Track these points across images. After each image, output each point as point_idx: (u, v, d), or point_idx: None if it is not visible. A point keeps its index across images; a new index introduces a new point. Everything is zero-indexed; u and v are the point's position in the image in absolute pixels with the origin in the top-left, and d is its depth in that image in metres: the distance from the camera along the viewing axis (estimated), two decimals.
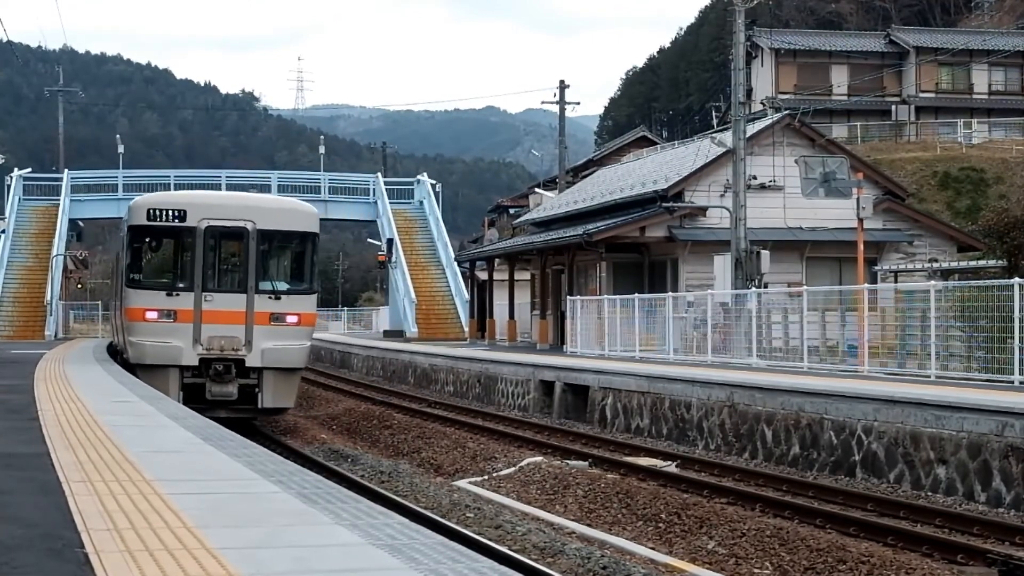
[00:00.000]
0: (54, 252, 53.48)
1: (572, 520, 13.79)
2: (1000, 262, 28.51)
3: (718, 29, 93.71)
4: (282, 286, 22.06)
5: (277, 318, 21.62)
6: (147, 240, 22.28)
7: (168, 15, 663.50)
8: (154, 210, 21.81)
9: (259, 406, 21.82)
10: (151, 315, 21.50)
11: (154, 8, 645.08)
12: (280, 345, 21.56)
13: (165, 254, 22.71)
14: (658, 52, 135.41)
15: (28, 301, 51.83)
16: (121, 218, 27.53)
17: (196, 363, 21.38)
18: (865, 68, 64.27)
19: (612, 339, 29.43)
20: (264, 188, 61.99)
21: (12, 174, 59.73)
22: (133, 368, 21.93)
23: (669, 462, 18.28)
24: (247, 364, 21.45)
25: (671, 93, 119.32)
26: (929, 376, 18.96)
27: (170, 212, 21.70)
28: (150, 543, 6.35)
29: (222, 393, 21.46)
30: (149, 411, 15.21)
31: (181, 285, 21.62)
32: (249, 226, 21.61)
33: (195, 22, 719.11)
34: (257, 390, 21.61)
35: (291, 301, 21.87)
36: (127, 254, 22.62)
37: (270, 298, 21.67)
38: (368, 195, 61.81)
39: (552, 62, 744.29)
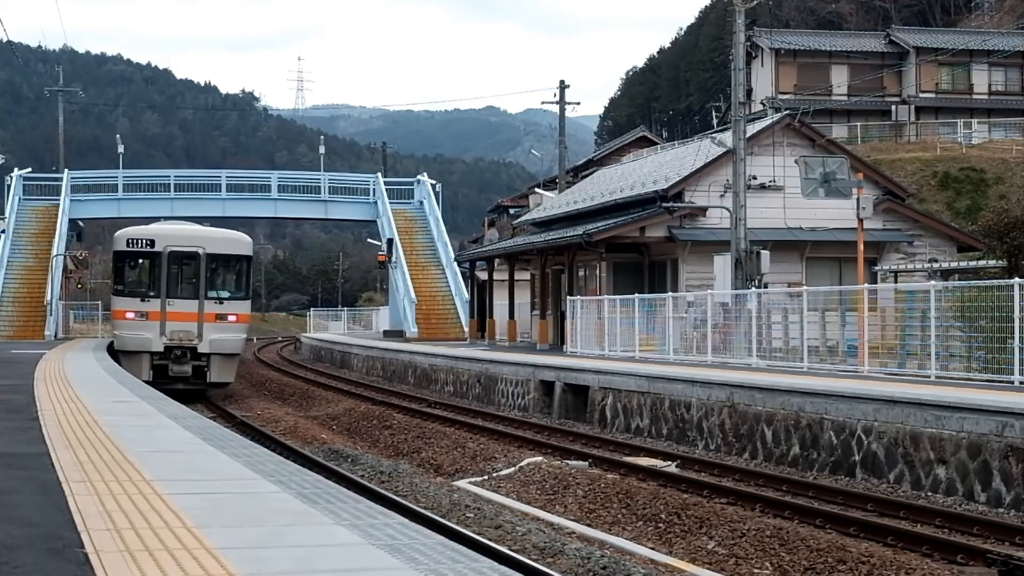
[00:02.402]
0: (54, 252, 53.45)
1: (572, 520, 13.79)
2: (1000, 262, 28.49)
3: (718, 29, 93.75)
4: (224, 294, 29.65)
5: (221, 317, 29.22)
6: (127, 261, 30.00)
7: (168, 15, 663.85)
8: (131, 239, 29.84)
9: (207, 381, 29.32)
10: (130, 315, 29.15)
11: (154, 8, 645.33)
12: (223, 337, 29.14)
13: (140, 271, 30.00)
14: (658, 52, 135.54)
15: (28, 301, 51.79)
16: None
17: (162, 349, 28.85)
18: (865, 68, 64.24)
19: (612, 339, 29.43)
20: (264, 188, 62.09)
21: (12, 174, 59.67)
22: (118, 354, 29.60)
23: (669, 462, 18.27)
24: (199, 350, 28.99)
25: (671, 93, 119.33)
26: (929, 376, 18.95)
27: (143, 240, 29.71)
28: (150, 543, 6.35)
29: (180, 371, 28.90)
30: (149, 411, 15.21)
31: (151, 294, 29.27)
32: (200, 251, 29.38)
33: (195, 22, 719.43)
34: (206, 369, 29.11)
35: (231, 305, 29.52)
36: (113, 271, 30.90)
37: (215, 303, 29.25)
38: (368, 195, 61.77)
39: (552, 62, 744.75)
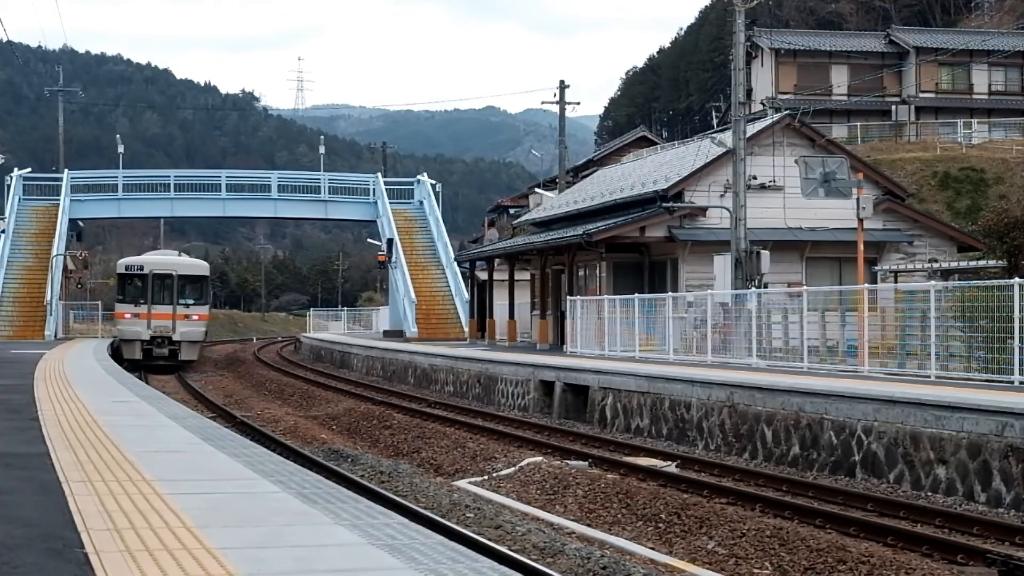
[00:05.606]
0: (54, 252, 53.46)
1: (572, 520, 13.78)
2: (1000, 262, 28.46)
3: (718, 29, 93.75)
4: (190, 301, 43.45)
5: (188, 316, 43.12)
6: (125, 280, 44.03)
7: (168, 15, 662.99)
8: (128, 265, 44.60)
9: (179, 360, 42.72)
10: (127, 316, 42.98)
11: (154, 8, 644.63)
12: (189, 330, 43.14)
13: (134, 286, 43.50)
14: (658, 52, 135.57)
15: (28, 301, 51.81)
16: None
17: (148, 338, 42.50)
18: (865, 68, 64.22)
19: (612, 339, 29.42)
20: (264, 188, 62.13)
21: (12, 174, 59.67)
22: (119, 344, 42.77)
23: (669, 462, 18.27)
24: (173, 339, 42.79)
25: (671, 93, 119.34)
26: (929, 376, 18.94)
27: (136, 266, 44.23)
28: (150, 543, 6.35)
29: (160, 353, 42.60)
30: (149, 411, 15.23)
31: (141, 301, 42.92)
32: (174, 272, 43.66)
33: (195, 22, 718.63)
34: (178, 351, 42.89)
35: (195, 308, 43.56)
36: (117, 286, 46.13)
37: (184, 307, 43.10)
38: (368, 195, 61.76)
39: (552, 62, 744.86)
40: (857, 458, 16.24)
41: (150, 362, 41.97)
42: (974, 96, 66.94)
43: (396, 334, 52.86)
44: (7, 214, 56.75)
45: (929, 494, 14.70)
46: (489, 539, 11.66)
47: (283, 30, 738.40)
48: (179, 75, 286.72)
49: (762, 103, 57.74)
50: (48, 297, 50.71)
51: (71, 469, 9.28)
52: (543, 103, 60.17)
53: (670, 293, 28.96)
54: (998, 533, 12.41)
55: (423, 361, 36.75)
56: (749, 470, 17.19)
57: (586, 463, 18.09)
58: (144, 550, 6.16)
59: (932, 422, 14.92)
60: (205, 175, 64.91)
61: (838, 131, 58.73)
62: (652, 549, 12.19)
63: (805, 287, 25.48)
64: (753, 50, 64.48)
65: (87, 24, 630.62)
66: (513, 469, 17.30)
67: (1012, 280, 18.04)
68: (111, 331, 47.48)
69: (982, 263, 30.19)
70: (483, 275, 45.95)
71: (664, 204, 33.26)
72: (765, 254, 28.91)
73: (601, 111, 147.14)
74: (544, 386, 26.82)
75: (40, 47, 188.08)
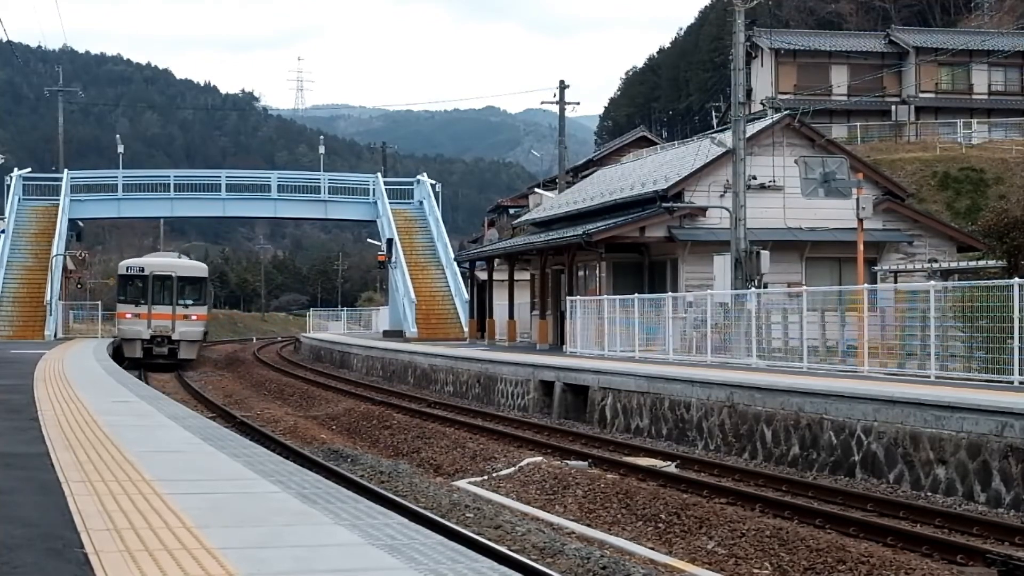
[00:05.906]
0: (54, 252, 53.45)
1: (572, 520, 13.78)
2: (1000, 262, 28.45)
3: (718, 29, 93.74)
4: (189, 302, 44.55)
5: (187, 317, 44.19)
6: (127, 281, 45.14)
7: (168, 15, 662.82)
8: (129, 267, 45.76)
9: (178, 358, 43.69)
10: (128, 316, 44.07)
11: (154, 8, 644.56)
12: (188, 329, 44.27)
13: (135, 287, 44.60)
14: (658, 52, 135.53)
15: (28, 301, 51.80)
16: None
17: (148, 338, 43.59)
18: (865, 68, 64.21)
19: (612, 339, 29.42)
20: (264, 188, 62.14)
21: (12, 174, 59.66)
22: (120, 343, 43.87)
23: (669, 462, 18.27)
24: (173, 338, 43.85)
25: (671, 93, 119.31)
26: (929, 376, 18.94)
27: (136, 268, 45.37)
28: (150, 543, 6.35)
29: (160, 352, 43.71)
30: (149, 411, 15.23)
31: (142, 302, 44.01)
32: (174, 274, 44.77)
33: (195, 22, 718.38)
34: (177, 350, 43.94)
35: (194, 309, 44.58)
36: (117, 287, 47.27)
37: (183, 307, 44.17)
38: (368, 195, 61.75)
39: (552, 62, 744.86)
40: (857, 458, 16.24)
41: (150, 360, 42.92)
42: (974, 96, 66.92)
43: (396, 334, 52.85)
44: (7, 214, 56.74)
45: (929, 494, 14.70)
46: (489, 539, 11.66)
47: (283, 30, 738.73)
48: (179, 75, 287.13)
49: (762, 103, 57.74)
50: (48, 297, 50.71)
51: (71, 469, 9.29)
52: (543, 103, 60.14)
53: (670, 293, 28.95)
54: (998, 533, 12.42)
55: (423, 361, 36.75)
56: (749, 470, 17.19)
57: (586, 463, 18.08)
58: (144, 550, 6.16)
59: (932, 422, 14.92)
60: (205, 175, 64.91)
61: (838, 131, 58.72)
62: (652, 549, 12.19)
63: (805, 287, 25.48)
64: (753, 50, 64.47)
65: (87, 24, 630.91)
66: (513, 469, 17.30)
67: (1012, 280, 18.04)
68: (111, 331, 48.24)
69: (982, 263, 30.18)
70: (483, 275, 45.95)
71: (664, 204, 33.26)
72: (765, 254, 28.91)
73: (601, 111, 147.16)
74: (544, 386, 26.82)
75: (40, 47, 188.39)
